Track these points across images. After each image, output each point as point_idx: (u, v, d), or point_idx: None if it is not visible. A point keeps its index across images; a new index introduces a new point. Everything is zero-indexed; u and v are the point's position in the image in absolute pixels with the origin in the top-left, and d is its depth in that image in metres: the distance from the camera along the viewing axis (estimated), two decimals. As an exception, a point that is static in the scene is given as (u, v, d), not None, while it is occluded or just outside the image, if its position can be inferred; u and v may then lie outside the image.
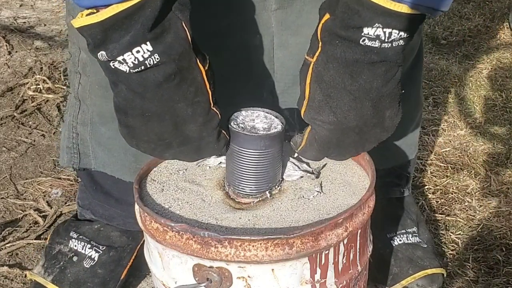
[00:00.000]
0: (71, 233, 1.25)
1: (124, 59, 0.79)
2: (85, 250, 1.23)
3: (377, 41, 0.80)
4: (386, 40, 0.80)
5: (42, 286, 1.21)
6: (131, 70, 0.80)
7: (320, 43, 0.85)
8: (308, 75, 0.88)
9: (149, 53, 0.79)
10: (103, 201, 1.25)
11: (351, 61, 0.83)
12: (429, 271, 1.25)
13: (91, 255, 1.23)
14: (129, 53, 0.79)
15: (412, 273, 1.25)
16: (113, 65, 0.80)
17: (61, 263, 1.22)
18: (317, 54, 0.86)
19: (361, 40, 0.80)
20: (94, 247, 1.23)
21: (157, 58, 0.80)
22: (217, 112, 0.90)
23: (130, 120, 0.87)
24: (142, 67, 0.80)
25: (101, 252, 1.23)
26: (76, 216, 1.30)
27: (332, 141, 0.91)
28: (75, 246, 1.23)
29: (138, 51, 0.79)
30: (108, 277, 1.22)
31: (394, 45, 0.81)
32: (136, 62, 0.79)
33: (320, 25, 0.85)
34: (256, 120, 0.93)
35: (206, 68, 0.86)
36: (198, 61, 0.84)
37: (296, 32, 1.08)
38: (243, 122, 0.92)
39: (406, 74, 1.21)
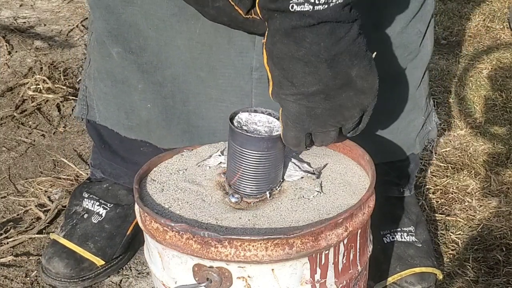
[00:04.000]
0: (83, 194, 1.35)
1: None
2: (94, 207, 1.33)
3: (306, 4, 0.82)
4: (317, 2, 0.81)
5: (56, 242, 1.30)
6: None
7: (266, 22, 0.87)
8: (264, 56, 0.89)
9: None
10: (111, 160, 1.34)
11: (289, 29, 0.84)
12: (418, 270, 1.25)
13: (99, 212, 1.32)
14: None
15: (400, 270, 1.25)
16: None
17: (74, 221, 1.32)
18: (266, 34, 0.88)
19: (290, 7, 0.82)
20: (102, 205, 1.33)
21: None
22: None
23: None
24: None
25: (108, 209, 1.33)
26: (89, 178, 1.40)
27: (302, 113, 0.90)
28: (87, 205, 1.33)
29: None
30: (115, 232, 1.31)
31: (331, 5, 0.82)
32: None
33: (257, 5, 0.87)
34: (259, 122, 0.93)
35: None
36: None
37: None
38: (246, 123, 0.92)
39: (403, 74, 1.21)
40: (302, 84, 0.87)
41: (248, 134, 0.90)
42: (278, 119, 0.93)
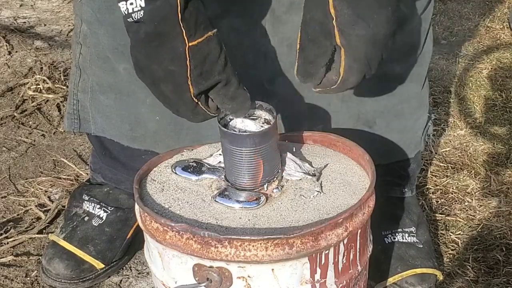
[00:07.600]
0: (83, 196, 1.34)
1: (119, 6, 0.85)
2: (95, 210, 1.32)
3: None
4: None
5: (56, 243, 1.29)
6: (124, 18, 0.87)
7: None
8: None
9: (139, 7, 0.85)
10: (112, 166, 1.34)
11: None
12: (419, 270, 1.25)
13: (99, 215, 1.32)
14: (124, 2, 0.85)
15: (400, 271, 1.25)
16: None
17: (75, 223, 1.31)
18: None
19: None
20: (103, 208, 1.33)
21: (141, 15, 0.85)
22: (194, 89, 0.89)
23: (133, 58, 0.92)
24: (130, 19, 0.86)
25: (109, 212, 1.32)
26: (89, 180, 1.40)
27: (369, 51, 0.90)
28: (87, 207, 1.33)
29: (131, 3, 0.85)
30: (115, 235, 1.31)
31: None
32: (126, 12, 0.85)
33: None
34: (246, 117, 0.94)
35: (194, 43, 0.88)
36: (184, 33, 0.86)
37: (285, 21, 1.10)
38: (234, 120, 0.93)
39: (408, 73, 1.21)
40: (376, 25, 0.88)
41: (233, 132, 0.92)
42: (268, 110, 0.94)
